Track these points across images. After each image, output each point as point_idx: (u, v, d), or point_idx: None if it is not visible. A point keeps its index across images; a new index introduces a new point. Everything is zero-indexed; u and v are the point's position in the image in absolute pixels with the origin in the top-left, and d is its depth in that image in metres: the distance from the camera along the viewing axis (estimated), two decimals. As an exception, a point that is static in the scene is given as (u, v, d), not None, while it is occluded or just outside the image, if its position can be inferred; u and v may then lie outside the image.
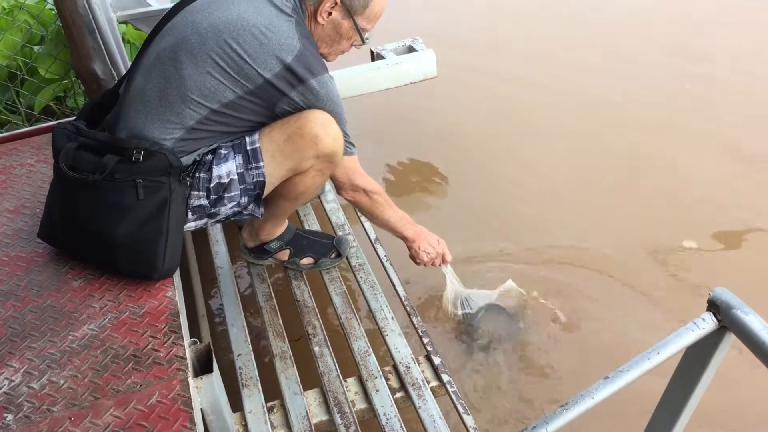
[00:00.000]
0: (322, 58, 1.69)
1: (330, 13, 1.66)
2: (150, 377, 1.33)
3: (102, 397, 1.29)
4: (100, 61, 2.26)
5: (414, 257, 2.03)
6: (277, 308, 1.94)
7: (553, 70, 3.96)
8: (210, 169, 1.59)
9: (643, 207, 2.80)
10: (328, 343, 1.81)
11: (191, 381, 1.33)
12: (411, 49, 3.03)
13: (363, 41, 1.75)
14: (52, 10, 2.56)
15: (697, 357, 0.99)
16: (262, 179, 1.62)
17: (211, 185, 1.60)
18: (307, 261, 2.06)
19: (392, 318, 1.87)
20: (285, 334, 1.84)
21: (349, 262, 2.09)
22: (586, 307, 2.29)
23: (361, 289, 1.99)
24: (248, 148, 1.60)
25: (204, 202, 1.62)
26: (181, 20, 1.60)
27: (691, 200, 2.82)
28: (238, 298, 1.96)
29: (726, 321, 0.92)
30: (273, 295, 1.99)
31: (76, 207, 1.54)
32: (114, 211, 1.50)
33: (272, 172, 1.62)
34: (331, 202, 2.38)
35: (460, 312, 2.16)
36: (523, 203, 2.86)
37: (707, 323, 0.93)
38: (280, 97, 1.57)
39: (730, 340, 0.96)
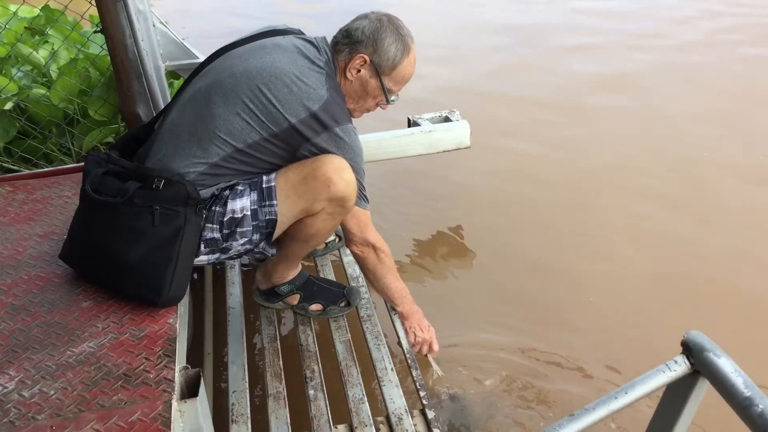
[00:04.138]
0: (348, 112, 1.76)
1: (359, 70, 1.74)
2: (136, 396, 1.34)
3: (86, 410, 1.30)
4: (144, 104, 2.40)
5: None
6: (279, 350, 1.94)
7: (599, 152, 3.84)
8: (225, 204, 1.64)
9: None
10: (324, 387, 1.79)
11: (175, 404, 1.33)
12: (447, 119, 3.12)
13: (387, 101, 1.81)
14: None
15: (673, 401, 0.94)
16: (274, 217, 1.66)
17: (225, 219, 1.64)
18: (315, 307, 2.07)
19: (392, 369, 1.84)
20: (283, 376, 1.84)
21: (358, 312, 2.09)
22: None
23: (366, 339, 1.98)
24: (264, 185, 1.65)
25: (217, 235, 1.66)
26: (219, 64, 1.70)
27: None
28: (243, 338, 1.97)
29: (698, 364, 0.88)
30: (278, 337, 2.00)
31: (95, 228, 1.61)
32: (128, 235, 1.56)
33: (285, 211, 1.66)
34: (350, 254, 2.39)
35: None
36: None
37: (679, 366, 0.89)
38: (303, 141, 1.63)
39: (705, 385, 0.91)
